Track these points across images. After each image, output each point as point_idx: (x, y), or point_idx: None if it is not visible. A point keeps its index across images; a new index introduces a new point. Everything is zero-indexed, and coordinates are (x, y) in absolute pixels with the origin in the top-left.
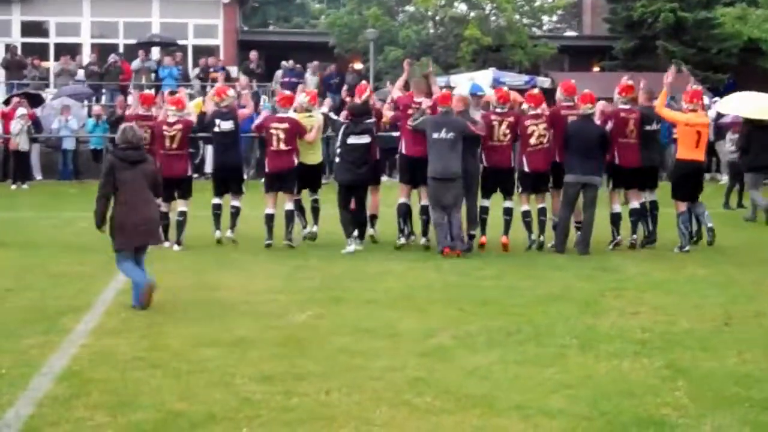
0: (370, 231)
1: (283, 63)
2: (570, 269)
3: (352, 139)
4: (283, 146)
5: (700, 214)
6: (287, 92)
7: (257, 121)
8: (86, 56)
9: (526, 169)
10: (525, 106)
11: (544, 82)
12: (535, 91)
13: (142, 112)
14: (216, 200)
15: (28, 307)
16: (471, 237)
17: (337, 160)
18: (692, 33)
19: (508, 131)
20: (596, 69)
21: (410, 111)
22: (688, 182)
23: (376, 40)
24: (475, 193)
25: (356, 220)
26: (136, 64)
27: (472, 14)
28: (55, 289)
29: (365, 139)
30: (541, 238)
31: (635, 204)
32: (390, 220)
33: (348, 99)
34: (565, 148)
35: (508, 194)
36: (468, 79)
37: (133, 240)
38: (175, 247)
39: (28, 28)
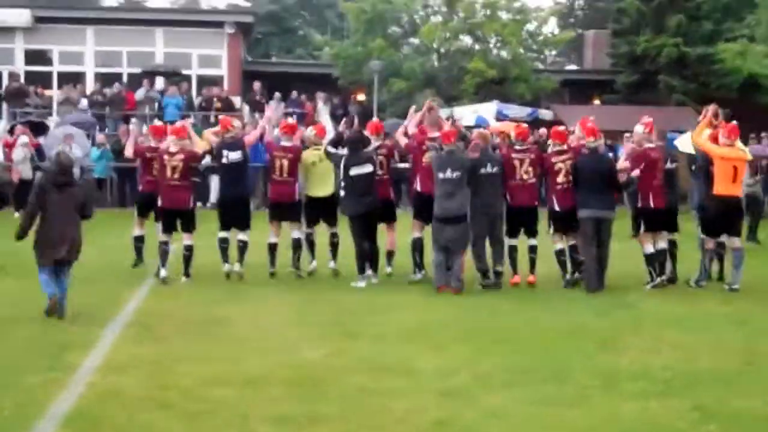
0: (387, 269)
1: (276, 94)
2: (586, 305)
3: (355, 171)
4: (286, 175)
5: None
6: (291, 120)
7: (267, 137)
8: (89, 85)
9: (557, 207)
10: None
11: (546, 114)
12: (561, 128)
13: (154, 144)
14: (222, 234)
15: (31, 339)
16: (498, 274)
17: (342, 193)
18: (694, 68)
19: (530, 169)
20: (596, 102)
21: (425, 147)
22: (721, 218)
23: (381, 72)
24: (501, 230)
25: (370, 252)
26: (140, 93)
27: (477, 47)
28: (61, 321)
29: (368, 169)
30: (576, 275)
31: (662, 244)
32: (400, 253)
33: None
34: (576, 183)
35: (532, 233)
36: (472, 112)
37: (52, 256)
38: (183, 279)
39: (32, 57)
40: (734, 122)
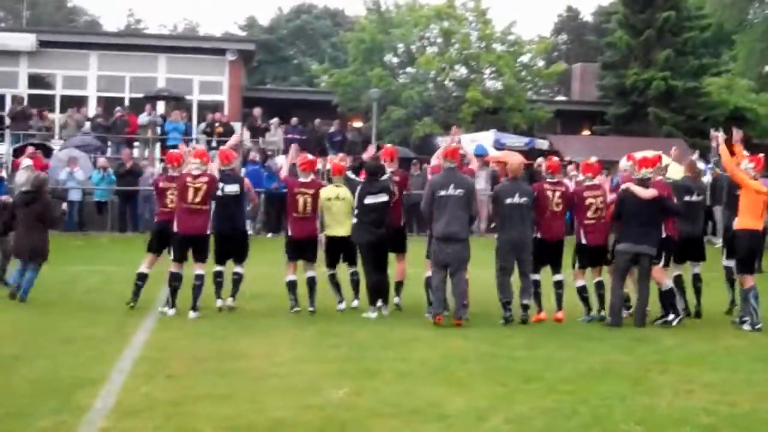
0: (395, 299)
1: (274, 119)
2: (604, 339)
3: (369, 199)
4: (310, 212)
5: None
6: (310, 156)
7: (283, 174)
8: (92, 109)
9: (584, 241)
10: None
11: (543, 144)
12: (593, 159)
13: (172, 173)
14: (218, 267)
15: (39, 378)
16: (525, 307)
17: (354, 221)
18: (681, 101)
19: (560, 201)
20: (586, 132)
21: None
22: (755, 253)
23: (379, 100)
24: (529, 262)
25: (380, 283)
26: (142, 118)
27: (472, 77)
28: (67, 356)
29: (383, 198)
30: (602, 312)
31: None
32: (411, 285)
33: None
34: (619, 216)
35: (557, 267)
36: (470, 141)
37: (20, 256)
38: (191, 314)
39: (35, 81)
40: (761, 154)
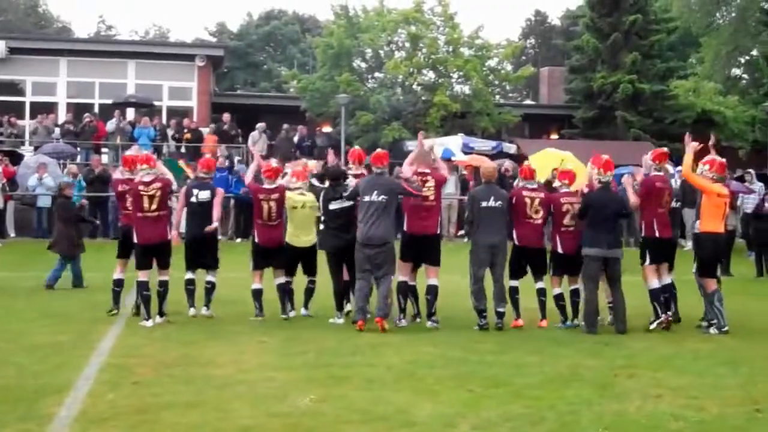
0: (348, 306)
1: (260, 125)
2: (572, 344)
3: (334, 205)
4: (274, 219)
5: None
6: (274, 163)
7: (248, 179)
8: (62, 115)
9: (560, 250)
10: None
11: (510, 147)
12: (569, 166)
13: (128, 176)
14: (189, 275)
15: (4, 386)
16: (499, 315)
17: (321, 227)
18: (648, 104)
19: (540, 208)
20: (554, 136)
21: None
22: (717, 257)
23: (347, 105)
24: (503, 268)
25: (348, 289)
26: (111, 124)
27: (440, 81)
28: (33, 364)
29: (347, 203)
30: (576, 321)
31: (668, 279)
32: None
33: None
34: (583, 219)
35: (539, 275)
36: (439, 145)
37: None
38: (158, 319)
39: (5, 87)
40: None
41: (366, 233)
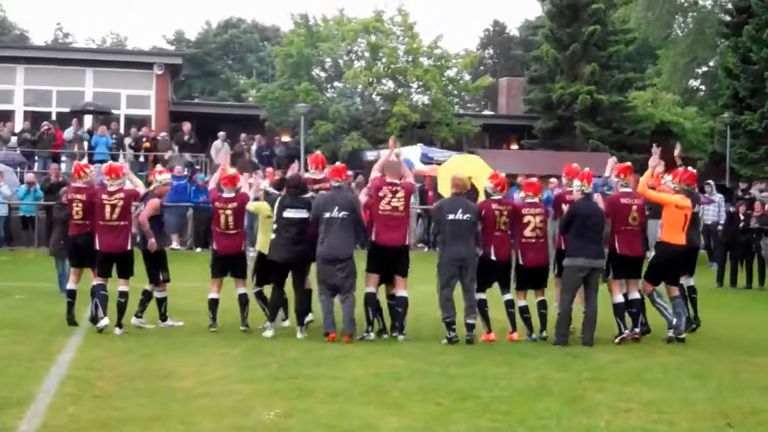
0: (310, 316)
1: (221, 134)
2: (539, 356)
3: (289, 213)
4: (232, 228)
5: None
6: (232, 170)
7: (211, 186)
8: (18, 123)
9: (521, 262)
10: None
11: None
12: (534, 179)
13: (77, 185)
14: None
15: None
16: (469, 327)
17: (272, 236)
18: (607, 115)
19: (508, 221)
20: (514, 146)
21: (381, 194)
22: (671, 266)
23: (307, 114)
24: (472, 280)
25: (299, 304)
26: (69, 132)
27: (399, 91)
28: None
29: (302, 214)
30: (544, 333)
31: (636, 294)
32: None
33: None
34: (567, 229)
35: (506, 287)
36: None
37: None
38: (117, 331)
39: None
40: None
41: (328, 249)
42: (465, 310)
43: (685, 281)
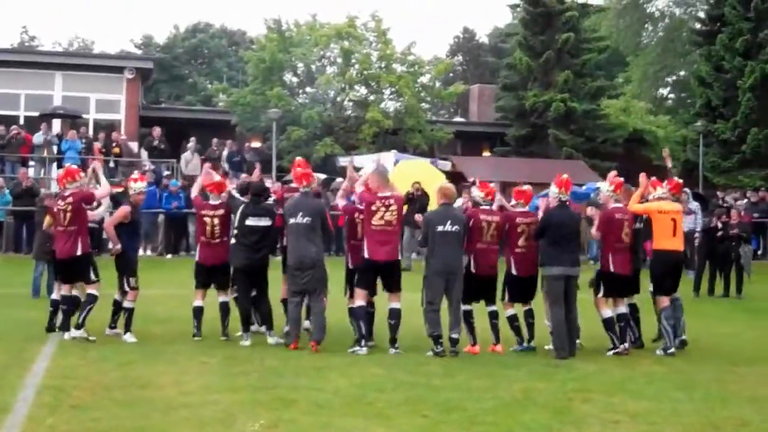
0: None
1: (189, 145)
2: (521, 366)
3: (251, 221)
4: (218, 236)
5: (676, 320)
6: (217, 177)
7: (194, 193)
8: None
9: (514, 271)
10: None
11: (445, 165)
12: (525, 187)
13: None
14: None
15: None
16: (454, 341)
17: (232, 241)
18: (580, 122)
19: (496, 232)
20: (486, 154)
21: (373, 208)
22: (669, 274)
23: (279, 120)
24: (459, 294)
25: (260, 310)
26: (38, 137)
27: (372, 97)
28: None
29: (265, 222)
30: (532, 343)
31: (622, 309)
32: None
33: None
34: (543, 237)
35: (491, 300)
36: (371, 161)
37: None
38: (74, 332)
39: None
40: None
41: (296, 256)
42: (450, 323)
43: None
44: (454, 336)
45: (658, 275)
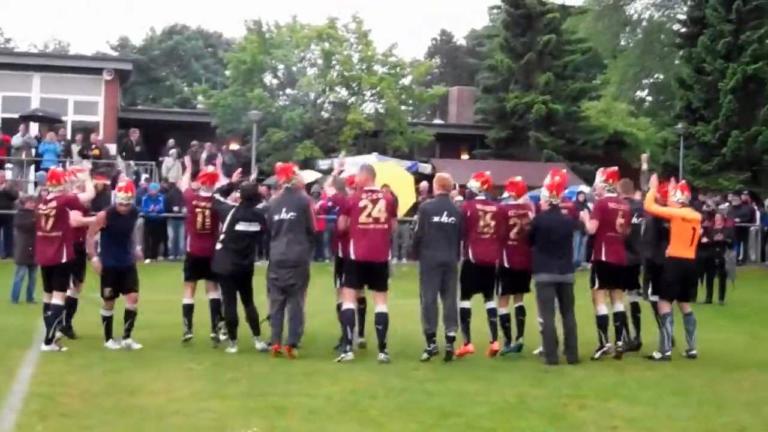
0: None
1: (171, 151)
2: (511, 370)
3: (241, 226)
4: (209, 228)
5: (689, 333)
6: (210, 168)
7: (183, 187)
8: None
9: (507, 264)
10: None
11: (426, 167)
12: (518, 178)
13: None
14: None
15: None
16: (450, 339)
17: (218, 246)
18: (561, 125)
19: (492, 222)
20: (465, 156)
21: (362, 204)
22: (679, 281)
23: (260, 122)
24: (455, 289)
25: (249, 316)
26: (17, 139)
27: (352, 100)
28: None
29: (255, 227)
30: (520, 340)
31: (620, 307)
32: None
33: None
34: (533, 243)
35: (489, 294)
36: (352, 164)
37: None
38: (43, 347)
39: None
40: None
41: (278, 253)
42: (445, 321)
43: (630, 297)
44: (451, 334)
45: (670, 281)
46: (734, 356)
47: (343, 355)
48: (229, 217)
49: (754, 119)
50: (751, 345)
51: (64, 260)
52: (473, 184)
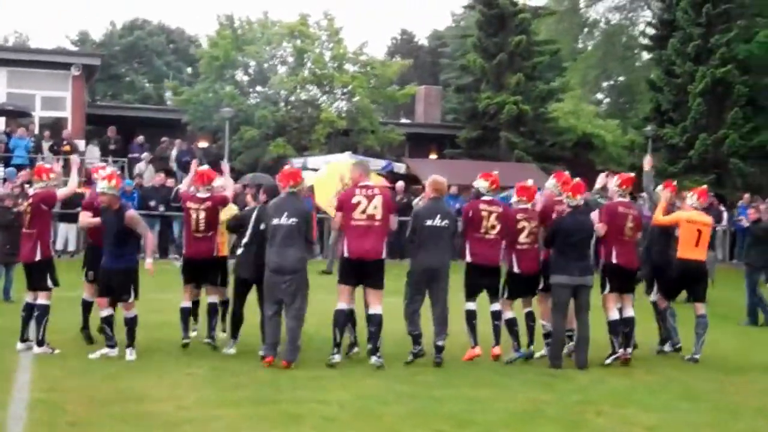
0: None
1: (144, 155)
2: (515, 375)
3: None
4: (203, 230)
5: (698, 336)
6: (205, 167)
7: (183, 188)
8: None
9: (516, 269)
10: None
11: (400, 167)
12: (530, 182)
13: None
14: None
15: None
16: (439, 349)
17: (239, 251)
18: (531, 125)
19: (497, 223)
20: (433, 156)
21: (355, 201)
22: (683, 282)
23: (232, 119)
24: (445, 293)
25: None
26: None
27: (323, 98)
28: None
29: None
30: (531, 348)
31: (630, 312)
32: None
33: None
34: (553, 244)
35: (495, 296)
36: (325, 162)
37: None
38: (36, 349)
39: None
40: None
41: (276, 259)
42: (435, 329)
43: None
44: (439, 344)
45: (674, 281)
46: (732, 359)
47: (330, 358)
48: (253, 218)
49: (722, 122)
50: (742, 348)
51: (38, 258)
52: (481, 184)
